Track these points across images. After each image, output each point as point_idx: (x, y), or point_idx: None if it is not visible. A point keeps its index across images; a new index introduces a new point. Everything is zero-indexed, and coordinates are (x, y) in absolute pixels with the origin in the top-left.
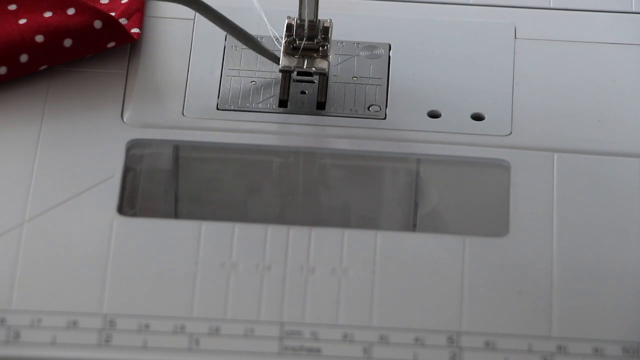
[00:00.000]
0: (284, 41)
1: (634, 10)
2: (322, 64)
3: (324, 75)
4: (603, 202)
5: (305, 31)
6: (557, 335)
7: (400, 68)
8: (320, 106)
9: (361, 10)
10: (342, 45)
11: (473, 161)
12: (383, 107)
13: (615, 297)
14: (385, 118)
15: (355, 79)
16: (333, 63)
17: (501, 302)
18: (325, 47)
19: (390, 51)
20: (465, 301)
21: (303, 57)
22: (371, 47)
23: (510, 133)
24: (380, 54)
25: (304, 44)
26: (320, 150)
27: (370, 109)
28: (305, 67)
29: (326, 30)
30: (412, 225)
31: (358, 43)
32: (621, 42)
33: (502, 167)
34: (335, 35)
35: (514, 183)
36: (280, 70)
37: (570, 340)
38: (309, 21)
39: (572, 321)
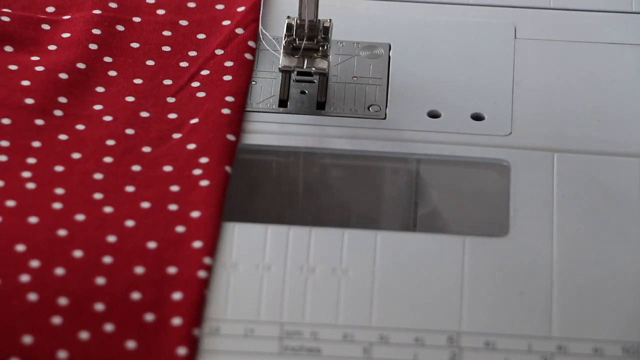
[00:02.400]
0: (284, 41)
1: (634, 10)
2: (322, 64)
3: (324, 75)
4: (603, 202)
5: (306, 31)
6: (557, 335)
7: (400, 68)
8: (320, 106)
9: (361, 10)
10: (342, 45)
11: (473, 161)
12: (383, 107)
13: (615, 297)
14: (385, 118)
15: (355, 79)
16: (333, 63)
17: (501, 302)
18: (325, 47)
19: (390, 51)
20: (465, 301)
21: (303, 57)
22: (371, 47)
23: (510, 133)
24: (380, 54)
25: (304, 44)
26: (320, 150)
27: (370, 109)
28: (305, 67)
29: (326, 30)
30: (412, 225)
31: (358, 43)
32: (621, 42)
33: (502, 167)
34: (335, 35)
35: (514, 183)
36: (280, 70)
37: (570, 340)
38: (309, 21)
39: (572, 321)
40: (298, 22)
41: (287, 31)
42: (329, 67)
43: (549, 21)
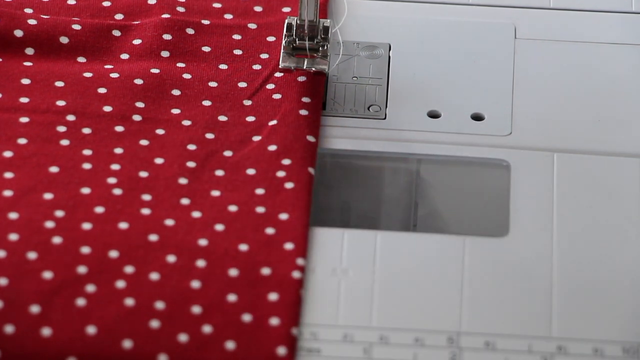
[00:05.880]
0: (284, 41)
1: (634, 10)
2: (322, 64)
3: (323, 75)
4: (603, 202)
5: (306, 31)
6: (557, 336)
7: (400, 68)
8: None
9: (361, 10)
10: (342, 45)
11: (473, 161)
12: (383, 107)
13: (615, 297)
14: (385, 118)
15: (355, 79)
16: (333, 63)
17: (501, 302)
18: (325, 47)
19: (390, 51)
20: (465, 301)
21: (303, 57)
22: (371, 47)
23: (510, 133)
24: (380, 54)
25: (307, 44)
26: (320, 150)
27: (370, 109)
28: (305, 67)
29: (326, 30)
30: (412, 225)
31: (358, 43)
32: (621, 42)
33: (502, 167)
34: (335, 35)
35: (514, 183)
36: (280, 70)
37: (570, 341)
38: (309, 21)
39: (572, 321)
40: (298, 22)
41: (287, 31)
42: (328, 67)
43: (549, 21)
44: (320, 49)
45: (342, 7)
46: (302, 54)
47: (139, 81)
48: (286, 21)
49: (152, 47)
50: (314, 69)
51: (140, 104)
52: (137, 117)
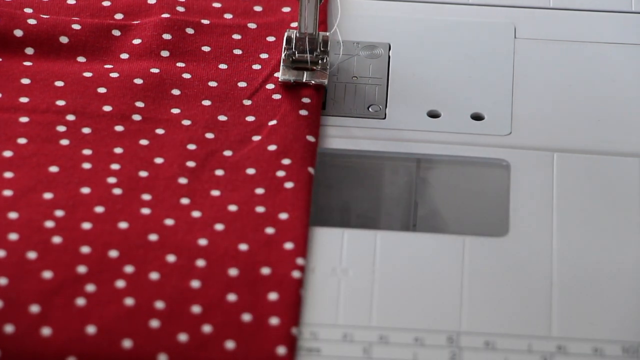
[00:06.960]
0: (283, 54)
1: (634, 10)
2: (321, 77)
3: (322, 89)
4: (603, 202)
5: (306, 44)
6: (557, 335)
7: (400, 68)
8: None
9: (361, 10)
10: (342, 45)
11: (473, 161)
12: (383, 107)
13: (615, 297)
14: (385, 118)
15: (355, 78)
16: (333, 63)
17: (501, 302)
18: (325, 60)
19: (390, 51)
20: (465, 301)
21: (303, 69)
22: (371, 47)
23: (510, 133)
24: (380, 54)
25: (307, 57)
26: (320, 150)
27: (370, 109)
28: (305, 79)
29: (325, 43)
30: (412, 225)
31: (358, 43)
32: (621, 42)
33: (502, 167)
34: (335, 34)
35: (514, 183)
36: (280, 83)
37: (570, 340)
38: (309, 34)
39: (572, 321)
40: (297, 35)
41: (286, 44)
42: (327, 80)
43: (549, 21)
44: (320, 61)
45: (342, 7)
46: (302, 66)
47: (138, 81)
48: (285, 34)
49: (151, 47)
50: (313, 82)
51: (140, 104)
52: (137, 117)
